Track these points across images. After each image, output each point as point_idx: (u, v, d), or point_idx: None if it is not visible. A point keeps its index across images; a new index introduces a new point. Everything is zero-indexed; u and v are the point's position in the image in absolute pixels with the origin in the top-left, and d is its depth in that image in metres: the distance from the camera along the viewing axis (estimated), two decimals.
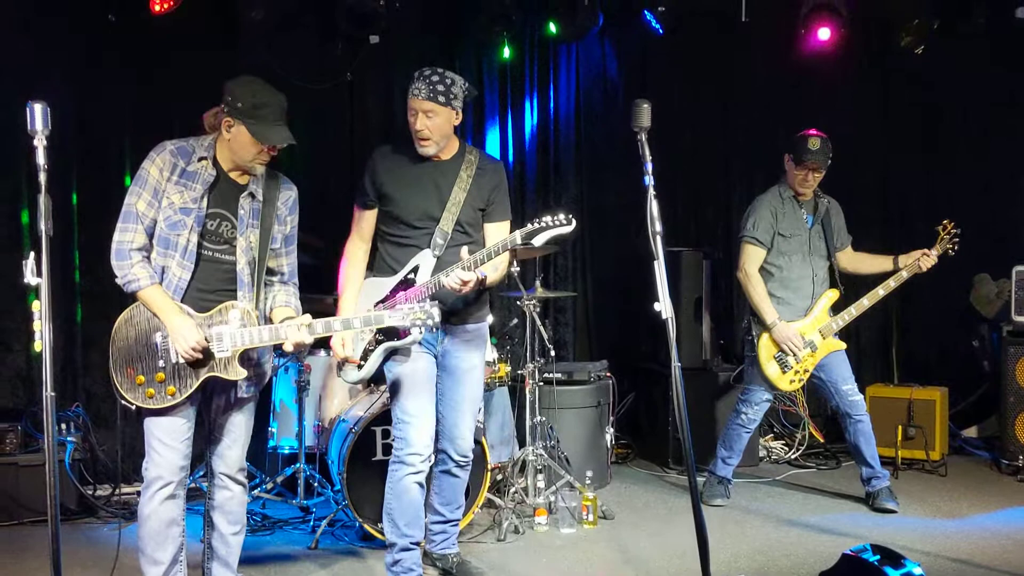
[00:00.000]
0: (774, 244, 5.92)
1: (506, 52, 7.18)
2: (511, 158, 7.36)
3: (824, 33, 7.17)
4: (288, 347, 3.86)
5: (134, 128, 6.43)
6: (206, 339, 3.79)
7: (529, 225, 4.18)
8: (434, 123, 4.33)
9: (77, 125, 6.28)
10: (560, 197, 7.59)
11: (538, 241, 4.19)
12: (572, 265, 7.76)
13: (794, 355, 5.86)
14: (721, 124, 7.92)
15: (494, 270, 4.39)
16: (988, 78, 7.64)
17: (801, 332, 5.88)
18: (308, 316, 3.94)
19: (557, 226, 4.16)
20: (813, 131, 5.91)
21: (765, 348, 5.92)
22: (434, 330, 4.10)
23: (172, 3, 6.17)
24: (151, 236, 3.86)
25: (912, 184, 8.03)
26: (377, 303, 4.44)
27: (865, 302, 5.92)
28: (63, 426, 5.89)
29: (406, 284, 4.42)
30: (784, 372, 5.91)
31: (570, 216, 4.17)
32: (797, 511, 5.99)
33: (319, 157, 6.80)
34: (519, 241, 4.18)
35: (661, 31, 7.21)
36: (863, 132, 7.89)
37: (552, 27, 7.07)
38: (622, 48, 7.71)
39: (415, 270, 4.42)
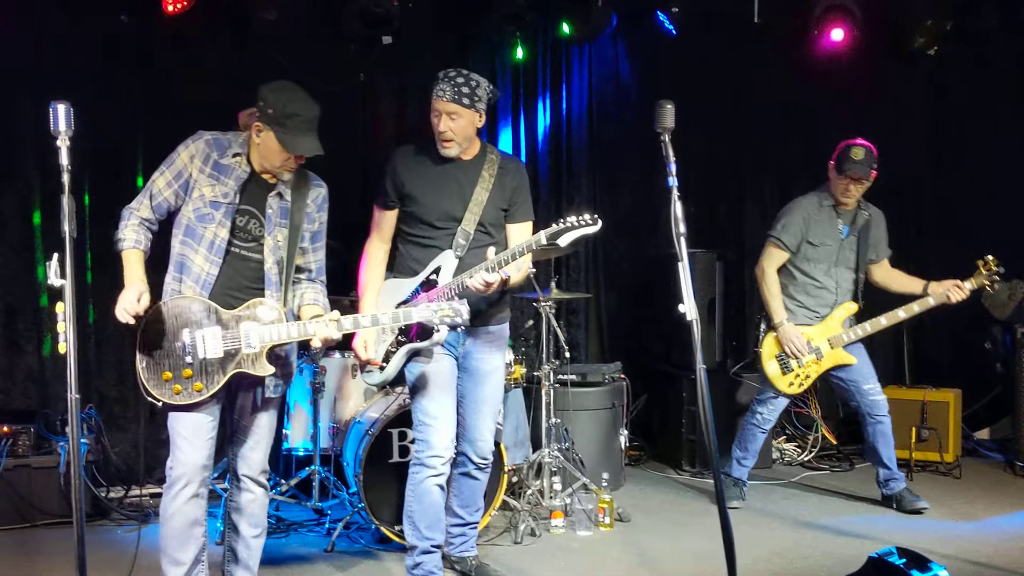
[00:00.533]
0: (801, 250, 5.87)
1: (519, 52, 7.16)
2: (524, 158, 7.34)
3: (837, 34, 7.16)
4: (316, 343, 3.86)
5: (147, 129, 6.41)
6: (228, 337, 3.79)
7: (554, 225, 4.13)
8: (457, 125, 4.31)
9: (90, 126, 6.19)
10: (572, 198, 7.58)
11: (563, 241, 4.14)
12: (585, 266, 7.73)
13: (796, 358, 5.82)
14: (733, 125, 7.90)
15: (517, 270, 4.35)
16: (1000, 79, 7.62)
17: (809, 338, 5.83)
18: (336, 312, 3.94)
19: (583, 226, 4.12)
20: (859, 140, 5.81)
21: (768, 346, 5.90)
22: (461, 328, 4.07)
23: (185, 3, 6.15)
24: (165, 216, 3.92)
25: (924, 185, 8.03)
26: (399, 304, 4.41)
27: (883, 321, 5.84)
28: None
29: (428, 285, 4.40)
30: (784, 374, 5.87)
31: (595, 216, 4.13)
32: (812, 513, 5.98)
33: (332, 158, 6.69)
34: (544, 241, 4.13)
35: (674, 32, 7.19)
36: (877, 133, 7.87)
37: (565, 28, 7.06)
38: (635, 49, 7.69)
39: (437, 271, 4.39)
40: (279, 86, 3.88)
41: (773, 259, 5.90)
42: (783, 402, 6.05)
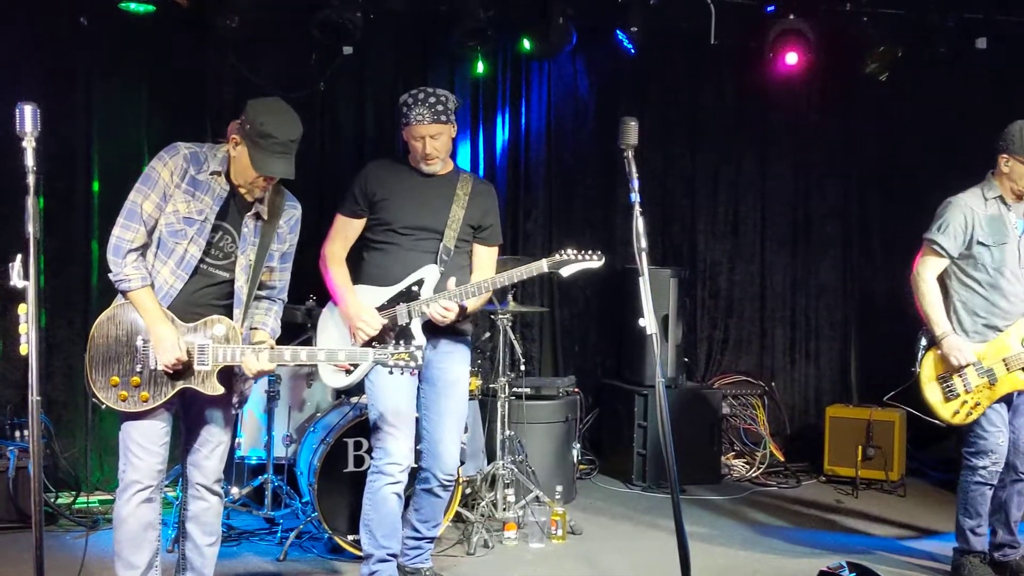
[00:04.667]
0: (972, 254, 4.87)
1: (479, 67, 7.18)
2: (482, 172, 7.37)
3: (792, 58, 7.26)
4: (248, 372, 3.84)
5: (102, 133, 6.37)
6: (189, 352, 3.76)
7: (556, 255, 4.34)
8: (440, 142, 4.43)
9: (45, 129, 6.16)
10: (529, 212, 7.62)
11: (565, 272, 4.36)
12: (540, 280, 7.76)
13: (962, 378, 4.82)
14: (689, 144, 7.98)
15: (477, 299, 4.47)
16: (949, 106, 7.77)
17: (980, 357, 4.81)
18: (271, 341, 3.93)
19: (586, 260, 4.35)
20: None
21: (928, 367, 4.92)
22: (414, 373, 4.15)
23: None
24: (150, 234, 3.80)
25: (875, 207, 8.16)
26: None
27: None
28: (26, 432, 5.78)
29: (408, 296, 4.44)
30: (948, 400, 4.87)
31: (599, 252, 4.34)
32: (761, 529, 6.05)
33: None
34: (545, 269, 4.34)
35: (633, 51, 7.26)
36: (828, 156, 8.04)
37: (526, 44, 7.09)
38: (594, 66, 7.75)
39: (419, 283, 4.44)
40: (264, 103, 3.79)
41: (929, 265, 4.91)
42: (1003, 445, 4.91)
